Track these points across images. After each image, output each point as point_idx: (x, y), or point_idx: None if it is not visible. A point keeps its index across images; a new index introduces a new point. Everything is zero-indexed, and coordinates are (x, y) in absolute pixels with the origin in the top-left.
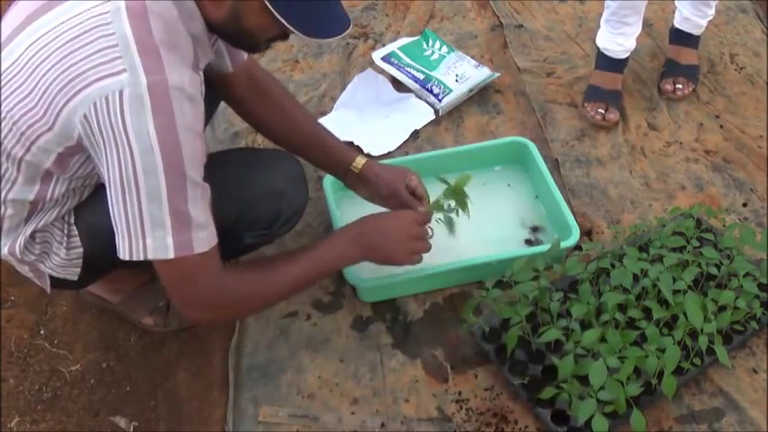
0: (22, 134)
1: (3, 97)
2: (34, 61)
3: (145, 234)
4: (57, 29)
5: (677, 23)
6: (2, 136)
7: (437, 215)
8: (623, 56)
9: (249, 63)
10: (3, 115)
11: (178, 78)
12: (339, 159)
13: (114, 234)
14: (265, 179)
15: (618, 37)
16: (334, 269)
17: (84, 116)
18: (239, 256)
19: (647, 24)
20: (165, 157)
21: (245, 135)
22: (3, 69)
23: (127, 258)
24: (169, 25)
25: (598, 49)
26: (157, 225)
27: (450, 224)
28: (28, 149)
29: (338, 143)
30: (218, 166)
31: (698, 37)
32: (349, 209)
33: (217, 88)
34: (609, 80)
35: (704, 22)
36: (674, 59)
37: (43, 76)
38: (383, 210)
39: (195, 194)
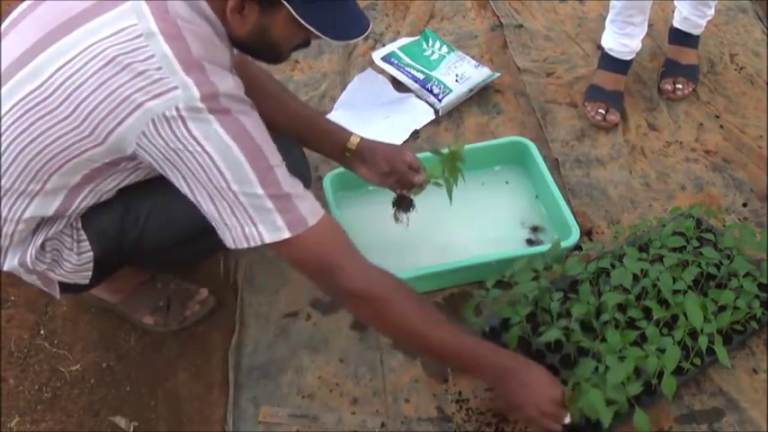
0: (62, 151)
1: (33, 120)
2: (69, 86)
3: (254, 221)
4: (86, 52)
5: (676, 23)
6: (33, 154)
7: (435, 181)
8: (628, 57)
9: (239, 57)
10: (35, 136)
11: (225, 86)
12: (334, 141)
13: (122, 231)
14: None
15: (623, 38)
16: (468, 370)
17: (143, 133)
18: None
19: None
20: (242, 148)
21: None
22: (29, 91)
23: (242, 246)
24: (205, 40)
25: (602, 49)
26: (263, 212)
27: (449, 190)
28: (67, 162)
29: (332, 125)
30: None
31: (697, 37)
32: (349, 209)
33: None
34: (612, 81)
35: (703, 22)
36: (673, 59)
37: (84, 100)
38: (379, 207)
39: (283, 173)
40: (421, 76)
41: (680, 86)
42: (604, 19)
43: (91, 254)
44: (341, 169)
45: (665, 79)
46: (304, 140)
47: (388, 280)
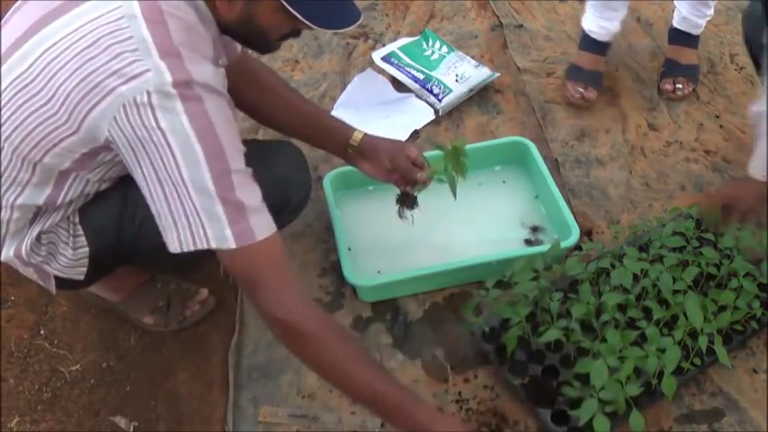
0: (42, 139)
1: (19, 104)
2: (50, 69)
3: (203, 224)
4: (71, 36)
5: (676, 23)
6: (18, 141)
7: (440, 177)
8: (607, 39)
9: (241, 53)
10: (19, 122)
11: (201, 73)
12: (337, 136)
13: (119, 229)
14: (271, 167)
15: (602, 20)
16: (385, 413)
17: (114, 119)
18: None
19: (647, 24)
20: (204, 147)
21: (246, 134)
22: (16, 76)
23: (189, 249)
24: (188, 26)
25: (583, 29)
26: (213, 218)
27: (453, 186)
28: (47, 152)
29: (335, 121)
30: None
31: (697, 37)
32: (349, 209)
33: None
34: (591, 61)
35: (703, 22)
36: (673, 59)
37: (63, 83)
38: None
39: (242, 180)
40: (421, 76)
41: (680, 86)
42: None
43: (86, 249)
44: (341, 169)
45: (665, 79)
46: (306, 137)
47: (316, 315)
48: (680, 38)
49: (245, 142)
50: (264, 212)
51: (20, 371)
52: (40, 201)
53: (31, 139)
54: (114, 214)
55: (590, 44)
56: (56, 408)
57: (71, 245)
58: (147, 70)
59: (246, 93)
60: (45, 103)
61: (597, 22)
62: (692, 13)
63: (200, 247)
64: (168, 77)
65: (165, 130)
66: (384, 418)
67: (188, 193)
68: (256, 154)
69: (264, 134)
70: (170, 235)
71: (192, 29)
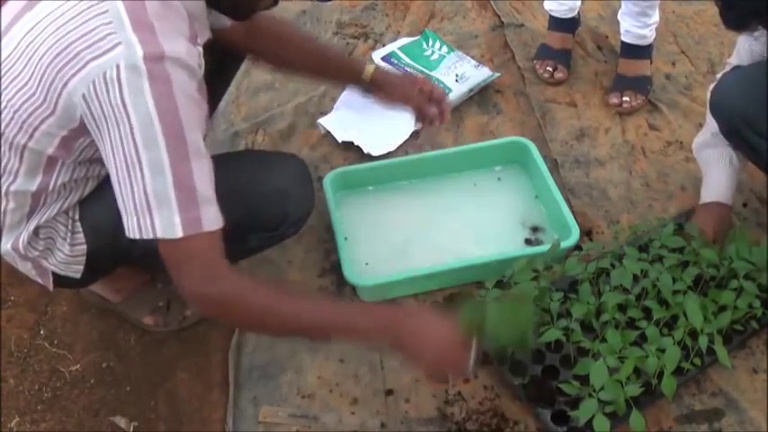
0: (24, 121)
1: (2, 87)
2: (31, 49)
3: (152, 211)
4: (51, 15)
5: (622, 37)
6: (3, 126)
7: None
8: (569, 15)
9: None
10: (3, 105)
11: (174, 48)
12: (349, 71)
13: (118, 230)
14: (271, 179)
15: None
16: (350, 336)
17: (84, 96)
18: (242, 258)
19: None
20: (164, 126)
21: (245, 135)
22: (2, 60)
23: (136, 237)
24: (165, 2)
25: (549, 12)
26: (163, 202)
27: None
28: (31, 136)
29: (346, 59)
30: (223, 167)
31: (648, 46)
32: (349, 209)
33: (221, 45)
34: (559, 40)
35: (647, 32)
36: (621, 74)
37: (39, 61)
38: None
39: (200, 166)
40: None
41: (627, 99)
42: (603, 18)
43: (84, 247)
44: (341, 169)
45: (612, 93)
46: (322, 76)
47: (236, 279)
48: (629, 51)
49: (247, 151)
50: (215, 204)
51: (20, 371)
52: (33, 187)
53: (16, 122)
54: (114, 215)
55: (555, 24)
56: (56, 408)
57: (69, 240)
58: (119, 44)
59: (266, 46)
60: (25, 84)
61: (557, 0)
62: (633, 24)
63: (146, 236)
64: (139, 51)
65: (128, 107)
66: (361, 336)
67: (142, 175)
68: (257, 165)
69: (263, 139)
70: (123, 219)
71: (169, 5)
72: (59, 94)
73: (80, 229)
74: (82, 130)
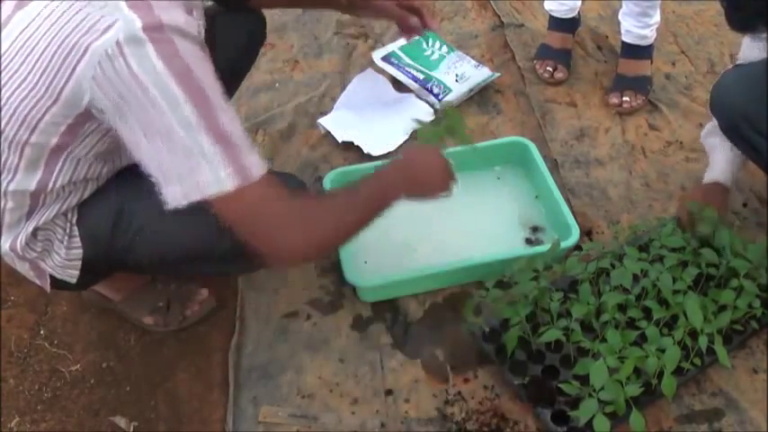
0: (26, 116)
1: (1, 84)
2: (28, 45)
3: (195, 172)
4: (46, 9)
5: (623, 37)
6: (3, 124)
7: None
8: (569, 15)
9: None
10: (2, 102)
11: (172, 18)
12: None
13: (114, 236)
14: None
15: None
16: (390, 195)
17: (93, 78)
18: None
19: None
20: (182, 85)
21: None
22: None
23: (182, 204)
24: None
25: (549, 12)
26: (204, 159)
27: (459, 138)
28: (34, 129)
29: None
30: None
31: (648, 47)
32: None
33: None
34: (559, 40)
35: (648, 32)
36: (622, 74)
37: (40, 56)
38: None
39: (230, 118)
40: (421, 76)
41: (627, 99)
42: (603, 18)
43: (80, 251)
44: (341, 169)
45: (612, 93)
46: (304, 3)
47: (313, 220)
48: (629, 51)
49: None
50: (254, 149)
51: (20, 371)
52: (32, 186)
53: (16, 119)
54: (109, 223)
55: (555, 24)
56: (56, 408)
57: (66, 244)
58: (116, 20)
59: None
60: (24, 80)
61: (557, 1)
62: (634, 25)
63: (194, 198)
64: (138, 23)
65: (139, 77)
66: (393, 188)
67: (175, 140)
68: None
69: (263, 139)
70: (164, 191)
71: None
72: (65, 83)
73: (77, 234)
74: (87, 115)
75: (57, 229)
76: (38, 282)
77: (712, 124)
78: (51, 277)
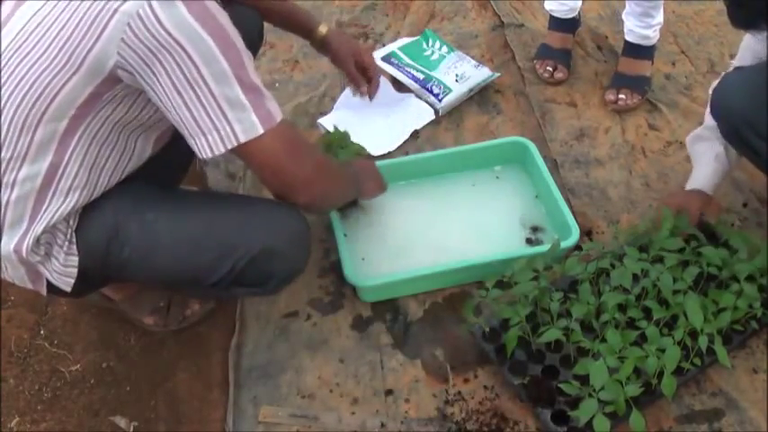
0: (45, 88)
1: (15, 65)
2: (44, 25)
3: (229, 120)
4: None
5: (626, 36)
6: (13, 110)
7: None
8: (570, 15)
9: None
10: (17, 83)
11: None
12: (306, 29)
13: (110, 247)
14: (262, 236)
15: None
16: (354, 189)
17: (123, 41)
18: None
19: None
20: (215, 39)
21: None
22: (10, 40)
23: (217, 153)
24: None
25: (549, 12)
26: (238, 107)
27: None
28: (49, 105)
29: (305, 15)
30: (214, 210)
31: (650, 47)
32: (349, 209)
33: None
34: (559, 40)
35: (651, 32)
36: (621, 72)
37: (59, 32)
38: None
39: (252, 67)
40: (421, 76)
41: (623, 96)
42: (603, 18)
43: (76, 259)
44: None
45: (609, 90)
46: (285, 29)
47: (328, 166)
48: (631, 50)
49: (242, 197)
50: (272, 96)
51: (20, 371)
52: (42, 170)
53: (34, 92)
54: (105, 237)
55: (556, 24)
56: (56, 408)
57: (65, 249)
58: None
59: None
60: (41, 56)
61: (557, 1)
62: (637, 24)
63: (229, 146)
64: None
65: (174, 34)
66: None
67: (209, 89)
68: (250, 213)
69: None
70: (197, 143)
71: None
72: (89, 51)
73: (75, 241)
74: (109, 82)
75: (58, 234)
76: (31, 286)
77: (700, 130)
78: (48, 283)
